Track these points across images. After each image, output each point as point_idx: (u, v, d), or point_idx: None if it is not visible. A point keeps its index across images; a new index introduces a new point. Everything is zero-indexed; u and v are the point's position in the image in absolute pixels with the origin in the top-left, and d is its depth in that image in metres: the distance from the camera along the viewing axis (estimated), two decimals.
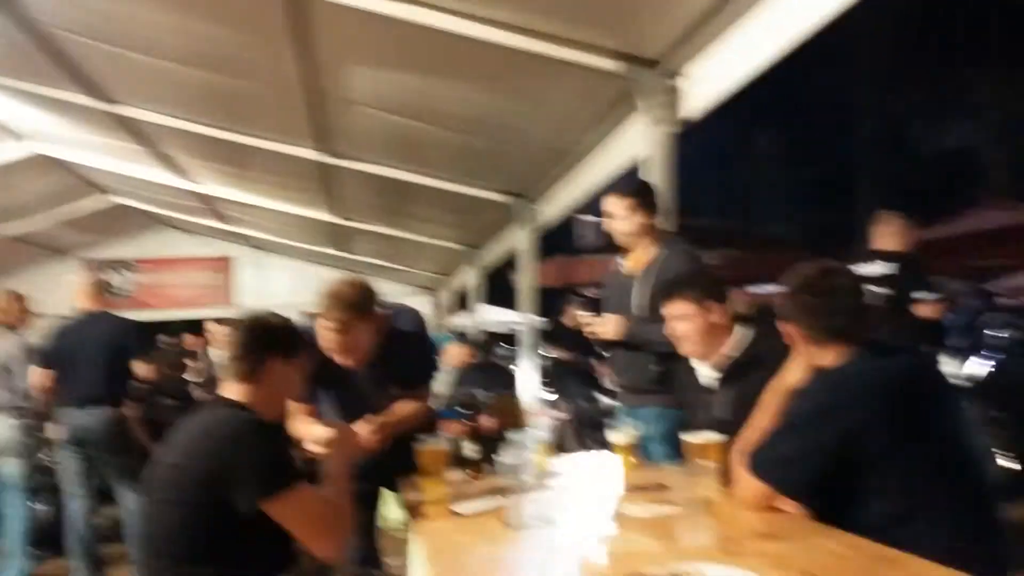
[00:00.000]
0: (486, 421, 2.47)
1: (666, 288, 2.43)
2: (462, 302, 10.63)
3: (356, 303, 2.42)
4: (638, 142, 4.55)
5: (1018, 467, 5.13)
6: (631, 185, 3.18)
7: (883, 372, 1.69)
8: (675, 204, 4.07)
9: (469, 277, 9.20)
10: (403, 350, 2.60)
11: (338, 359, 2.45)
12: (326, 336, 2.40)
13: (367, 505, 2.63)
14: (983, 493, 1.65)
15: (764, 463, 1.70)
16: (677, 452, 2.24)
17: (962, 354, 5.86)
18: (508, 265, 7.74)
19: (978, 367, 5.58)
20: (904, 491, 1.60)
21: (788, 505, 1.74)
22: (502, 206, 6.55)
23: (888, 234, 4.67)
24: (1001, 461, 5.21)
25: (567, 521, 1.74)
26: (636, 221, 2.98)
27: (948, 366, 5.56)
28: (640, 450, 2.45)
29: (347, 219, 7.86)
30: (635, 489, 2.01)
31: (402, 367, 2.62)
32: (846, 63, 21.04)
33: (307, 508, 1.75)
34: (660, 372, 2.82)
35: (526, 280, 6.90)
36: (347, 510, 1.87)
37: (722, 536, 1.49)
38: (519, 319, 7.27)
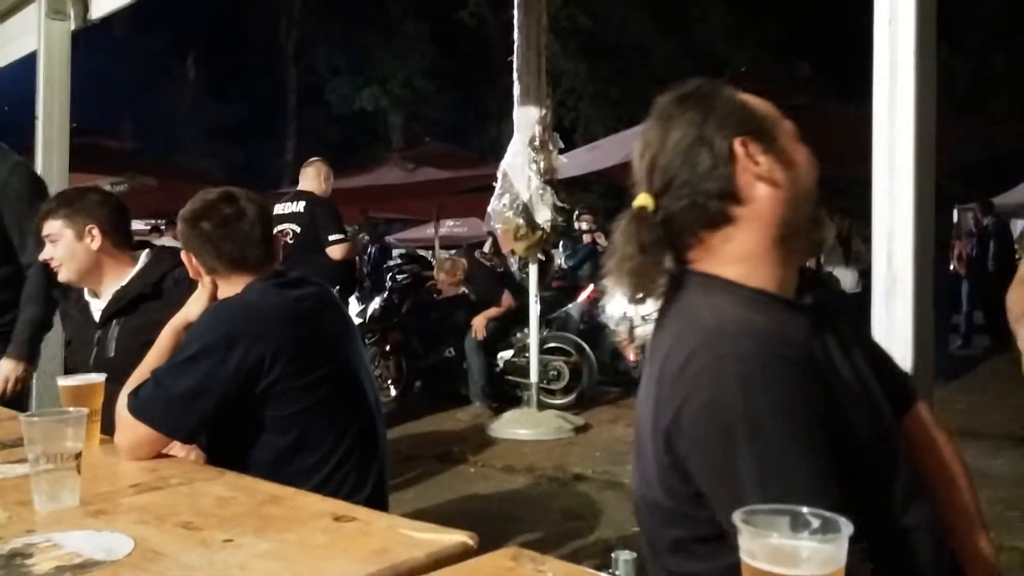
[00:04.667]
0: None
1: (45, 206, 2.07)
2: None
3: None
4: (30, 34, 3.85)
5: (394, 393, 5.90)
6: None
7: (288, 302, 1.65)
8: (69, 114, 3.54)
9: None
10: None
11: None
12: None
13: None
14: (372, 421, 1.74)
15: (151, 404, 1.51)
16: None
17: (368, 295, 6.46)
18: None
19: (375, 304, 6.21)
20: (299, 423, 1.59)
21: (178, 450, 1.60)
22: None
23: (309, 176, 4.83)
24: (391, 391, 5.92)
25: None
26: None
27: (352, 306, 6.07)
28: None
29: None
30: None
31: None
32: (275, 12, 21.36)
33: None
34: None
35: None
36: None
37: (91, 494, 1.27)
38: None
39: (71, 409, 1.29)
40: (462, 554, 1.03)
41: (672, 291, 1.05)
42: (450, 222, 12.96)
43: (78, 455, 1.24)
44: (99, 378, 1.65)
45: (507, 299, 5.81)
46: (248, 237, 1.69)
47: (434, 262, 9.98)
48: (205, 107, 21.39)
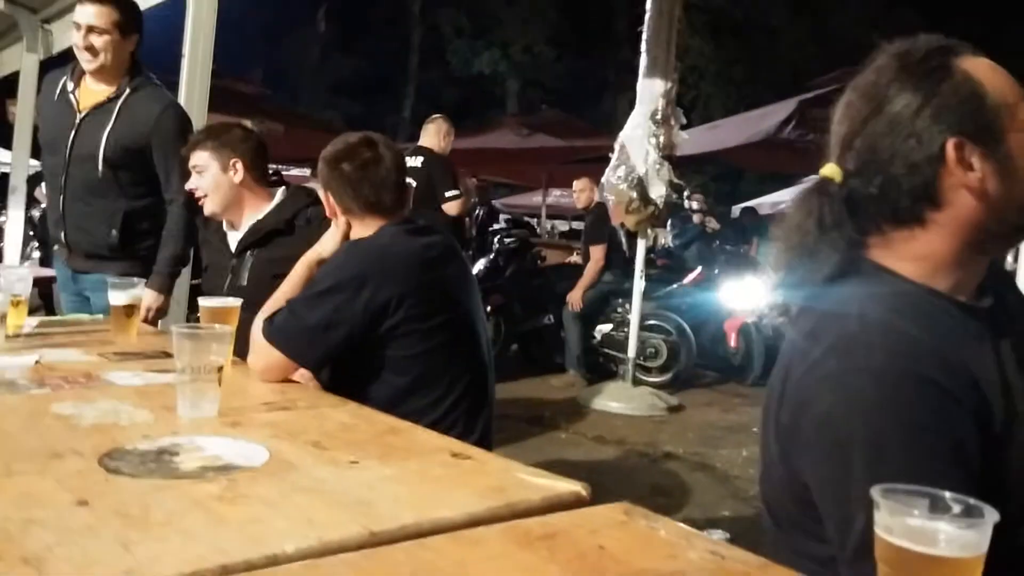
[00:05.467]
0: None
1: (193, 137, 2.21)
2: None
3: None
4: None
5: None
6: None
7: (417, 248, 1.71)
8: (211, 55, 3.69)
9: None
10: None
11: None
12: None
13: None
14: (484, 370, 1.78)
15: (284, 332, 1.60)
16: None
17: (473, 257, 6.55)
18: (6, 92, 6.35)
19: (480, 265, 6.29)
20: (418, 365, 1.65)
21: (302, 376, 1.69)
22: (2, 16, 5.28)
23: (430, 133, 4.92)
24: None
25: (34, 388, 1.43)
26: (115, 41, 2.52)
27: None
28: None
29: None
30: (131, 356, 1.76)
31: None
32: None
33: None
34: (121, 236, 2.56)
35: (26, 113, 5.71)
36: None
37: (226, 407, 1.35)
38: (12, 159, 6.03)
39: (216, 326, 1.38)
40: (575, 503, 1.05)
41: (834, 277, 0.96)
42: (557, 191, 12.94)
43: (220, 369, 1.33)
44: (236, 302, 1.75)
45: (599, 251, 5.68)
46: (384, 182, 1.75)
47: (539, 229, 10.01)
48: (331, 60, 21.98)
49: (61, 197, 2.62)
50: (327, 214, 1.81)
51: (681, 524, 0.98)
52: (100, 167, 2.54)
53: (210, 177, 2.15)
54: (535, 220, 11.81)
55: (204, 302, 1.76)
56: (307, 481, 1.04)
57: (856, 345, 0.88)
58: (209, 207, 2.19)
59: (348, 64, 21.49)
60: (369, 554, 0.83)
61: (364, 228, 1.74)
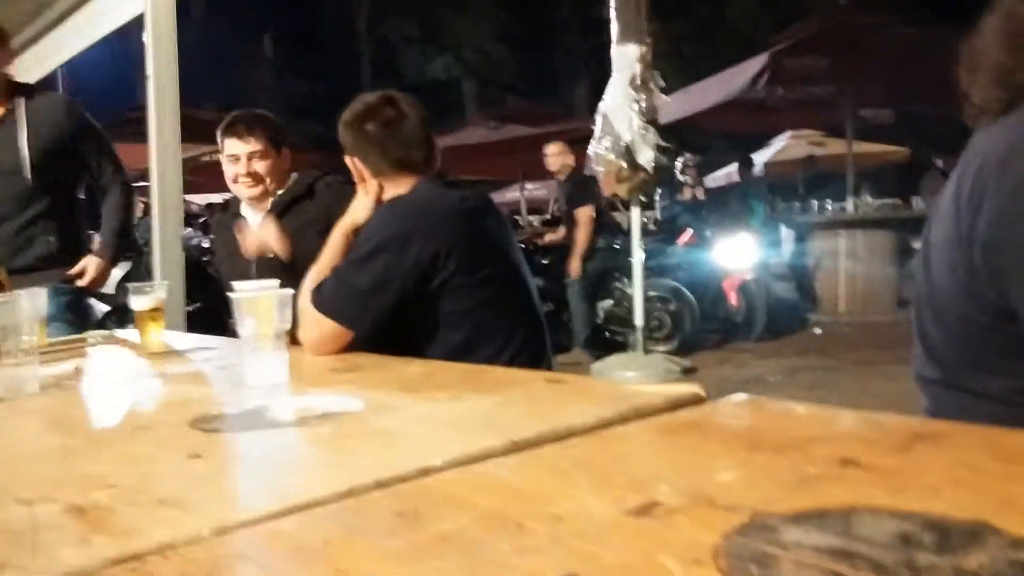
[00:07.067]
0: None
1: (248, 123, 2.26)
2: None
3: None
4: None
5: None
6: None
7: (456, 201, 1.66)
8: (177, 73, 3.62)
9: None
10: None
11: None
12: None
13: None
14: (539, 322, 1.73)
15: (335, 299, 1.53)
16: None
17: None
18: None
19: None
20: (472, 319, 1.60)
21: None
22: None
23: None
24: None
25: (95, 385, 1.36)
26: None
27: None
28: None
29: None
30: (170, 354, 1.69)
31: None
32: None
33: None
34: (60, 241, 2.55)
35: None
36: None
37: (295, 377, 1.29)
38: None
39: (278, 289, 1.32)
40: (695, 403, 1.01)
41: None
42: (530, 185, 12.85)
43: (286, 333, 1.27)
44: (273, 283, 1.67)
45: (586, 213, 5.59)
46: (412, 138, 1.69)
47: (522, 222, 9.95)
48: (284, 84, 21.79)
49: None
50: (356, 179, 1.75)
51: (815, 405, 0.94)
52: (28, 175, 2.51)
53: (270, 161, 2.24)
54: (515, 216, 11.74)
55: (239, 286, 1.68)
56: (417, 415, 0.98)
57: None
58: (260, 190, 2.25)
59: (302, 86, 21.30)
60: (521, 457, 0.78)
61: (397, 187, 1.68)
